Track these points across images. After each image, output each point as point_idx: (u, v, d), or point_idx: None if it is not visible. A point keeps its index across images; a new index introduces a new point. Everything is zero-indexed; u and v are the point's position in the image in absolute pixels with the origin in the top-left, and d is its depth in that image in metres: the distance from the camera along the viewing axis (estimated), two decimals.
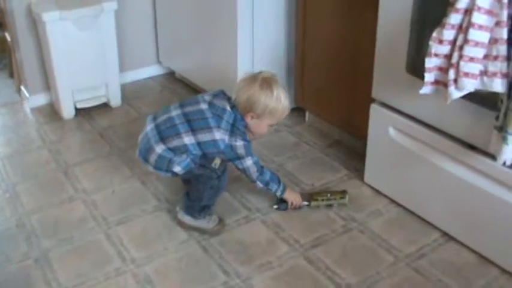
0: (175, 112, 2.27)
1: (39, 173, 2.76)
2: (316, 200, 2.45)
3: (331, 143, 2.97)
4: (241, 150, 2.26)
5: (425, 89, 1.97)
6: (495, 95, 1.85)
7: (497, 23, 1.75)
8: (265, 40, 2.98)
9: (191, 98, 2.34)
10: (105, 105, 3.39)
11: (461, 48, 1.81)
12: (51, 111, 3.36)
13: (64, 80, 3.18)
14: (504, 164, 1.92)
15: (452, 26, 1.82)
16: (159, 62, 3.80)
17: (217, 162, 2.27)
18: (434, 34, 1.86)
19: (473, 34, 1.77)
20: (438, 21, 1.85)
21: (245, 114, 2.25)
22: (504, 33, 1.75)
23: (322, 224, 2.38)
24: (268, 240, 2.30)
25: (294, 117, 3.20)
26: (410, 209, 2.41)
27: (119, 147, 2.97)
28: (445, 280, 2.09)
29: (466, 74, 1.82)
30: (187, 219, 2.34)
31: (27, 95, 3.41)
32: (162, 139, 2.24)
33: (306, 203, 2.44)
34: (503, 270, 2.11)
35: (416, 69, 2.10)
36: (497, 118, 1.87)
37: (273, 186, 2.38)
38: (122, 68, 3.51)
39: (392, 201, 2.48)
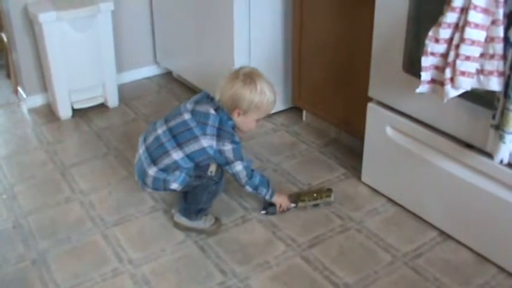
0: (160, 130, 2.27)
1: (36, 173, 2.76)
2: (303, 200, 2.43)
3: (328, 142, 2.97)
4: (229, 155, 2.23)
5: (422, 88, 1.97)
6: (492, 93, 1.85)
7: (494, 22, 1.75)
8: (262, 39, 2.98)
9: (175, 109, 2.32)
10: (102, 106, 3.39)
11: (457, 47, 1.81)
12: (48, 112, 3.36)
13: (61, 81, 3.18)
14: (501, 162, 1.92)
15: (449, 25, 1.82)
16: (156, 62, 3.80)
17: (213, 169, 2.26)
18: (430, 33, 1.86)
19: (470, 33, 1.77)
20: (434, 20, 1.85)
21: (231, 112, 2.23)
22: (500, 32, 1.75)
23: (319, 224, 2.38)
24: (266, 240, 2.30)
25: (291, 117, 3.20)
26: (408, 207, 2.41)
27: (116, 147, 2.97)
28: (442, 279, 2.09)
29: (463, 73, 1.82)
30: (183, 220, 2.34)
31: (24, 95, 3.41)
32: (153, 161, 2.25)
33: (293, 204, 2.43)
34: (501, 269, 2.11)
35: (412, 68, 2.11)
36: (494, 117, 1.87)
37: (262, 190, 2.36)
38: (119, 69, 3.51)
39: (390, 200, 2.48)
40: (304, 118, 3.17)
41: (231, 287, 2.08)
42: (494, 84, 1.80)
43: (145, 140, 2.32)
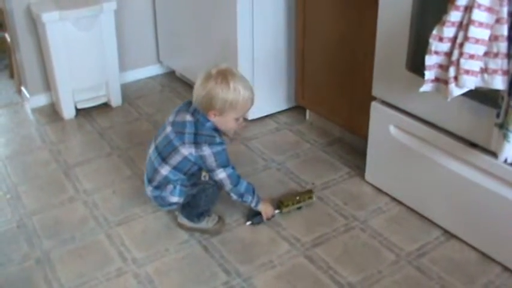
0: (151, 149, 2.31)
1: (40, 173, 2.76)
2: (287, 205, 2.40)
3: (332, 141, 2.97)
4: (211, 160, 2.18)
5: (426, 87, 1.97)
6: (496, 92, 1.85)
7: (498, 20, 1.75)
8: (265, 39, 2.97)
9: (162, 126, 2.31)
10: (105, 105, 3.39)
11: (461, 45, 1.81)
12: (52, 112, 3.36)
13: (64, 80, 3.18)
14: (505, 161, 1.92)
15: (453, 24, 1.82)
16: (159, 61, 3.80)
17: (206, 174, 2.27)
18: (434, 32, 1.86)
19: (474, 31, 1.76)
20: (438, 18, 1.85)
21: (207, 113, 2.17)
22: (504, 30, 1.74)
23: (323, 223, 2.38)
24: (269, 239, 2.30)
25: (294, 116, 3.20)
26: (412, 207, 2.41)
27: (120, 147, 2.97)
28: (446, 278, 2.08)
29: (467, 71, 1.81)
30: (186, 221, 2.34)
31: (27, 95, 3.41)
32: (149, 180, 2.30)
33: (277, 211, 2.39)
34: (505, 268, 2.11)
35: (416, 67, 2.10)
36: (498, 115, 1.87)
37: (248, 198, 2.29)
38: (122, 68, 3.51)
39: (394, 199, 2.48)
40: (307, 117, 3.16)
41: (235, 286, 2.08)
42: (499, 82, 1.80)
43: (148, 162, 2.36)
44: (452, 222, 2.26)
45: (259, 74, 3.00)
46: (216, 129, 2.21)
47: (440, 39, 1.85)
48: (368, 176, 2.59)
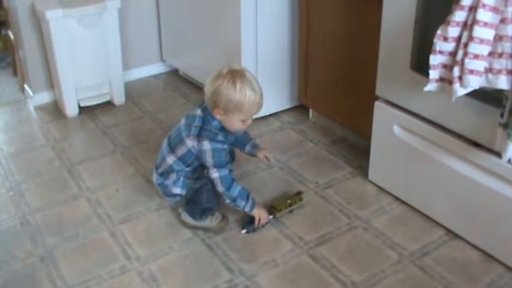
0: (164, 144, 2.36)
1: (43, 171, 2.77)
2: (280, 210, 2.38)
3: (335, 140, 2.97)
4: (208, 157, 2.18)
5: (430, 86, 1.97)
6: (500, 92, 1.85)
7: (502, 20, 1.75)
8: (269, 38, 2.98)
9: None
10: (108, 104, 3.40)
11: (466, 45, 1.81)
12: (55, 110, 3.37)
13: (68, 78, 3.19)
14: (509, 161, 1.93)
15: (457, 23, 1.82)
16: (162, 59, 3.80)
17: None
18: (438, 31, 1.86)
19: (478, 31, 1.77)
20: (443, 18, 1.85)
21: (212, 111, 2.17)
22: (509, 30, 1.74)
23: (326, 222, 2.38)
24: (273, 238, 2.30)
25: (297, 115, 3.20)
26: (415, 206, 2.41)
27: (123, 145, 2.97)
28: (449, 278, 2.09)
29: (471, 71, 1.81)
30: (189, 219, 2.34)
31: (30, 93, 3.42)
32: (156, 168, 2.36)
33: (271, 216, 2.36)
34: (508, 268, 2.11)
35: (420, 66, 2.10)
36: (502, 115, 1.87)
37: (241, 203, 2.26)
38: (126, 66, 3.52)
39: (397, 198, 2.48)
40: (310, 116, 3.17)
41: (238, 284, 2.08)
42: (503, 82, 1.80)
43: None
44: (455, 222, 2.26)
45: (262, 73, 3.00)
46: (222, 129, 2.22)
47: (445, 39, 1.86)
48: (371, 175, 2.59)
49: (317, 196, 2.54)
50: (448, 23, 1.83)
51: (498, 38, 1.77)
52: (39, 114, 3.34)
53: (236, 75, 2.14)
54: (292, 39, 3.06)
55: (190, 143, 2.21)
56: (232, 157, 2.46)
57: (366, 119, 2.55)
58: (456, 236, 2.27)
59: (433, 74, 1.94)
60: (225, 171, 2.22)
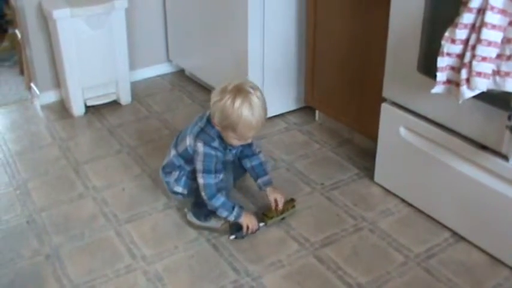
0: (175, 137, 2.38)
1: (50, 170, 2.77)
2: (272, 217, 2.35)
3: (341, 142, 2.97)
4: (199, 159, 2.17)
5: (437, 89, 1.96)
6: (507, 94, 1.84)
7: (510, 23, 1.74)
8: (276, 38, 2.98)
9: None
10: (115, 103, 3.40)
11: (473, 47, 1.81)
12: (61, 109, 3.37)
13: (74, 78, 3.19)
14: None
15: (465, 26, 1.81)
16: (169, 60, 3.81)
17: None
18: (446, 33, 1.85)
19: (486, 34, 1.76)
20: (450, 20, 1.85)
21: (212, 120, 2.15)
22: None
23: (332, 223, 2.38)
24: (279, 239, 2.30)
25: (303, 116, 3.20)
26: (421, 208, 2.41)
27: (129, 144, 2.98)
28: (455, 280, 2.08)
29: (479, 74, 1.81)
30: (194, 220, 2.35)
31: (37, 92, 3.43)
32: (163, 164, 2.38)
33: (261, 224, 2.34)
34: None
35: (428, 68, 2.10)
36: (509, 118, 1.87)
37: (223, 212, 2.22)
38: (132, 66, 3.52)
39: (403, 200, 2.48)
40: (317, 118, 3.17)
41: (244, 285, 2.08)
42: (511, 85, 1.80)
43: None
44: (461, 224, 2.26)
45: (269, 74, 3.00)
46: (221, 137, 2.18)
47: (453, 41, 1.85)
48: (377, 177, 2.59)
49: (323, 197, 2.54)
50: (456, 25, 1.82)
51: (506, 41, 1.77)
52: (45, 113, 3.34)
53: (239, 94, 2.06)
54: (299, 41, 3.06)
55: (189, 141, 2.22)
56: (239, 173, 2.42)
57: (372, 120, 2.55)
58: (462, 238, 2.26)
59: (441, 76, 1.93)
60: (210, 180, 2.18)
